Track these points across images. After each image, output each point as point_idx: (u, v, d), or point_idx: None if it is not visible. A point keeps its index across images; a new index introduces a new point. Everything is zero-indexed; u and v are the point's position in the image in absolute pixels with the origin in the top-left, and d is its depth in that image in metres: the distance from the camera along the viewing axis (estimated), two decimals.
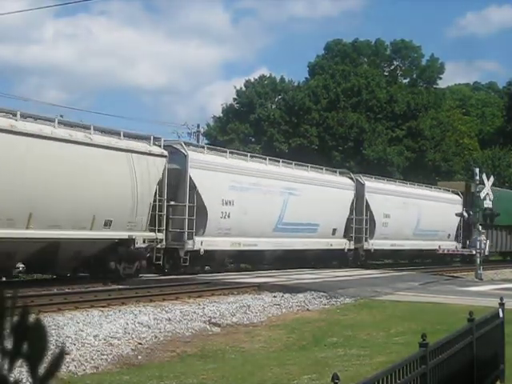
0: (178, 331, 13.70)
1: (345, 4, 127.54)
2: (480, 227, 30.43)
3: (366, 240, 33.25)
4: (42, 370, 1.35)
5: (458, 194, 41.70)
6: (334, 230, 31.73)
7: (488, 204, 30.98)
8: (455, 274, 32.62)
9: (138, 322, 13.69)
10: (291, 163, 30.05)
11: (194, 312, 15.40)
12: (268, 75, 61.94)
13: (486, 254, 31.97)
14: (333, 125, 54.82)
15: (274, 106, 59.11)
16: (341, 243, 32.16)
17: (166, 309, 15.41)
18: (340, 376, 3.86)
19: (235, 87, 60.33)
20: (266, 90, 59.03)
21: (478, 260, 29.96)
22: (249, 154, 29.15)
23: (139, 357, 11.50)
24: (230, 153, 27.11)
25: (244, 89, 59.76)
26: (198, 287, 19.63)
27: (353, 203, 32.60)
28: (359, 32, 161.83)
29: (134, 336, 12.69)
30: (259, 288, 19.72)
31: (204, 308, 15.94)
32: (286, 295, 18.71)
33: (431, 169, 58.24)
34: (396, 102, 58.68)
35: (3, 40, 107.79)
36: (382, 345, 12.22)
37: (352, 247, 32.71)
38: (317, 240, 30.21)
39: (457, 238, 41.61)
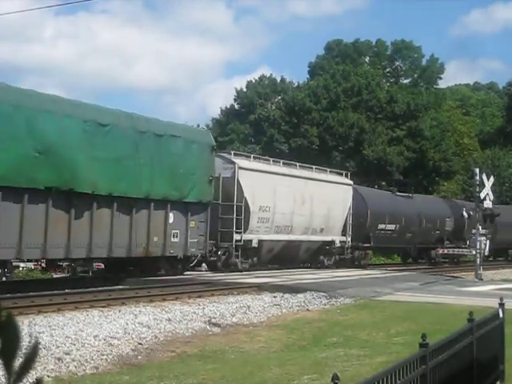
0: (178, 331, 13.70)
1: (348, 2, 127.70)
2: (481, 227, 30.41)
3: None
4: (16, 365, 1.38)
5: None
6: None
7: (488, 204, 30.94)
8: (455, 274, 32.64)
9: (138, 322, 13.70)
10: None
11: (194, 312, 15.40)
12: (268, 75, 62.07)
13: (487, 254, 31.97)
14: (333, 125, 54.83)
15: (274, 107, 59.14)
16: None
17: (166, 309, 15.42)
18: (340, 376, 3.86)
19: (236, 89, 60.48)
20: (266, 91, 59.07)
21: (478, 260, 29.97)
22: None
23: (139, 357, 11.50)
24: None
25: (245, 89, 59.83)
26: (198, 287, 19.63)
27: None
28: (362, 31, 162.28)
29: (133, 336, 12.68)
30: (259, 288, 19.71)
31: (204, 308, 15.95)
32: (286, 295, 18.71)
33: (431, 169, 58.27)
34: (396, 102, 58.71)
35: (3, 39, 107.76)
36: (381, 345, 12.22)
37: None
38: None
39: None
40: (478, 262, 29.92)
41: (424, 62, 68.79)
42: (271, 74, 62.23)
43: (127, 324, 13.43)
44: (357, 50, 67.75)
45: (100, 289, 18.51)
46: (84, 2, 39.94)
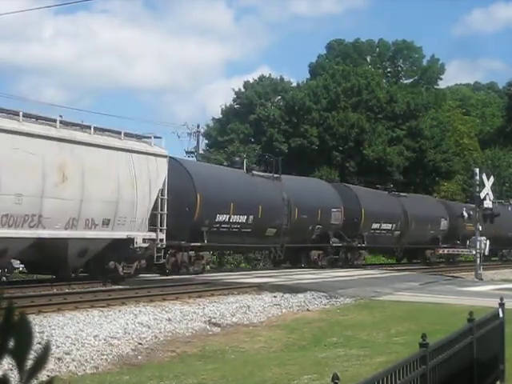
0: (178, 331, 13.70)
1: (348, 2, 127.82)
2: (480, 227, 30.41)
3: None
4: (28, 365, 1.39)
5: None
6: None
7: (488, 204, 30.93)
8: (455, 274, 32.65)
9: (138, 322, 13.70)
10: None
11: (194, 312, 15.41)
12: (267, 75, 62.04)
13: (486, 253, 31.94)
14: (333, 125, 54.80)
15: (273, 106, 59.09)
16: None
17: (166, 309, 15.42)
18: (340, 376, 3.86)
19: (233, 90, 60.45)
20: (266, 91, 59.04)
21: (478, 260, 29.98)
22: None
23: (139, 357, 11.50)
24: None
25: (243, 90, 59.81)
26: (198, 287, 19.64)
27: None
28: (363, 31, 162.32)
29: (134, 336, 12.69)
30: (259, 288, 19.72)
31: (204, 308, 15.95)
32: (286, 295, 18.71)
33: (431, 169, 58.24)
34: (396, 102, 58.69)
35: (2, 39, 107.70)
36: (382, 345, 12.22)
37: None
38: None
39: None
40: (478, 261, 29.94)
41: (425, 62, 68.84)
42: (270, 74, 62.30)
43: (127, 324, 13.43)
44: (357, 49, 67.76)
45: (100, 289, 18.51)
46: (84, 1, 39.98)
